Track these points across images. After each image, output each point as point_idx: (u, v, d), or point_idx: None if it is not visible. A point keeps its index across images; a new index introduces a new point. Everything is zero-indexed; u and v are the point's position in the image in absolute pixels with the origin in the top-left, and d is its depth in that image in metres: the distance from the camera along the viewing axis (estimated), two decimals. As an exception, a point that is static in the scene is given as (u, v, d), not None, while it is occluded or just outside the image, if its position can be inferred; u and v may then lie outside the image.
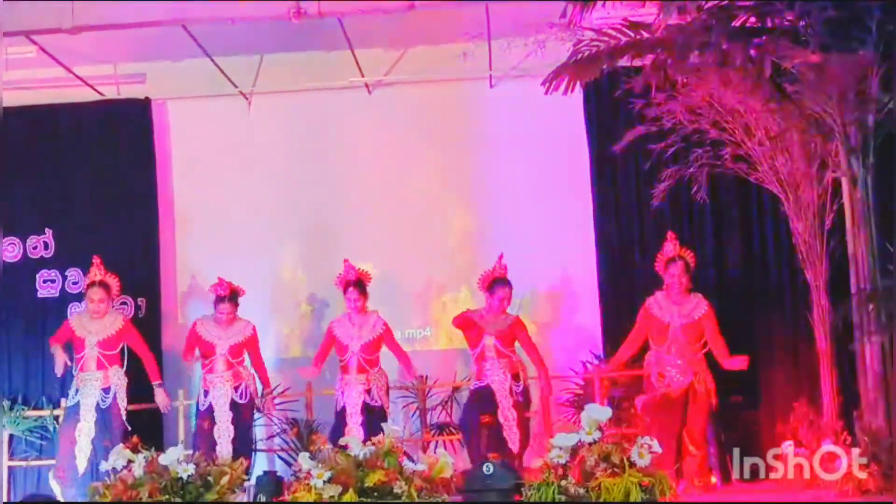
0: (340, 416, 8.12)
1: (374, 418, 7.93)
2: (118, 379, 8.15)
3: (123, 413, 8.10)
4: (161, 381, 8.38)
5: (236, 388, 8.15)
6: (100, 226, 9.57)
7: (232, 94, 9.73)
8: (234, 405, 8.11)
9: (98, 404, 8.02)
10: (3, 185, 9.42)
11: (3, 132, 9.24)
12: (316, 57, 9.52)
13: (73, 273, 9.38)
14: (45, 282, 9.47)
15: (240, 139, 9.90)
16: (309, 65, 9.63)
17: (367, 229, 9.32)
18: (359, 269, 8.28)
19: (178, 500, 5.52)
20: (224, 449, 7.73)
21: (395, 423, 7.61)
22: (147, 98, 9.85)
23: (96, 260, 8.31)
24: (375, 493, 5.46)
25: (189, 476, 5.59)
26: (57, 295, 9.32)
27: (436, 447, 8.33)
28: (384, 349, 8.31)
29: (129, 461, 5.68)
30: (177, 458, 5.64)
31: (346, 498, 5.42)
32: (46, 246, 9.54)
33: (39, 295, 9.38)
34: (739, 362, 8.04)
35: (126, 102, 9.86)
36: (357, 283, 8.22)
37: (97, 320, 8.22)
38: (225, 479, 5.68)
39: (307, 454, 6.04)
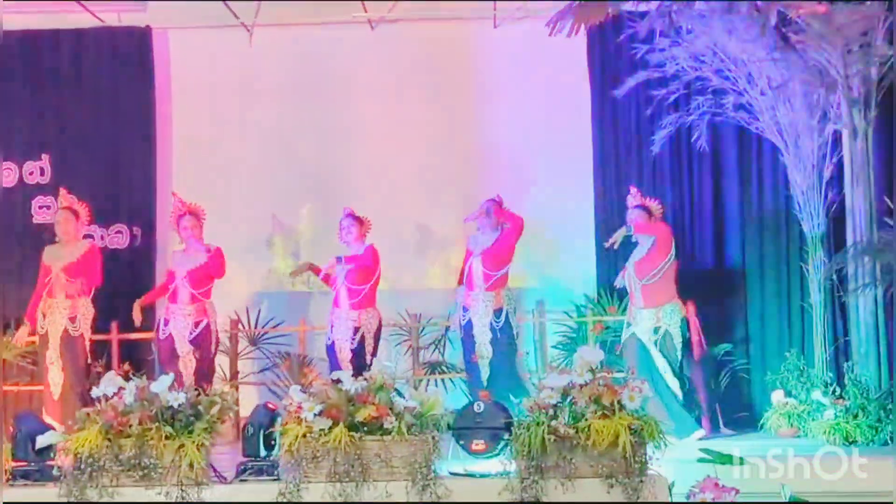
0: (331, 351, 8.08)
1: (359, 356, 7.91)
2: (85, 309, 7.99)
3: (87, 343, 7.99)
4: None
5: (196, 325, 7.94)
6: (97, 153, 9.52)
7: (234, 26, 9.62)
8: (194, 339, 7.93)
9: (66, 333, 7.91)
10: (1, 109, 9.41)
11: (2, 55, 9.25)
12: (319, -11, 9.43)
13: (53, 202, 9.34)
14: (40, 207, 9.41)
15: (240, 72, 9.84)
16: (311, -3, 9.52)
17: (364, 166, 9.27)
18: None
19: (168, 428, 5.52)
20: (186, 381, 7.52)
21: (387, 361, 7.62)
22: (148, 26, 9.75)
23: (63, 191, 8.21)
24: (366, 428, 5.47)
25: (180, 405, 5.58)
26: (52, 221, 9.25)
27: (427, 385, 8.37)
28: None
29: (120, 388, 5.66)
30: (167, 387, 5.64)
31: (336, 432, 5.43)
32: (43, 171, 9.49)
33: (35, 220, 9.30)
34: None
35: (126, 30, 9.77)
36: None
37: (64, 247, 8.04)
38: (215, 409, 5.68)
39: (298, 387, 6.04)
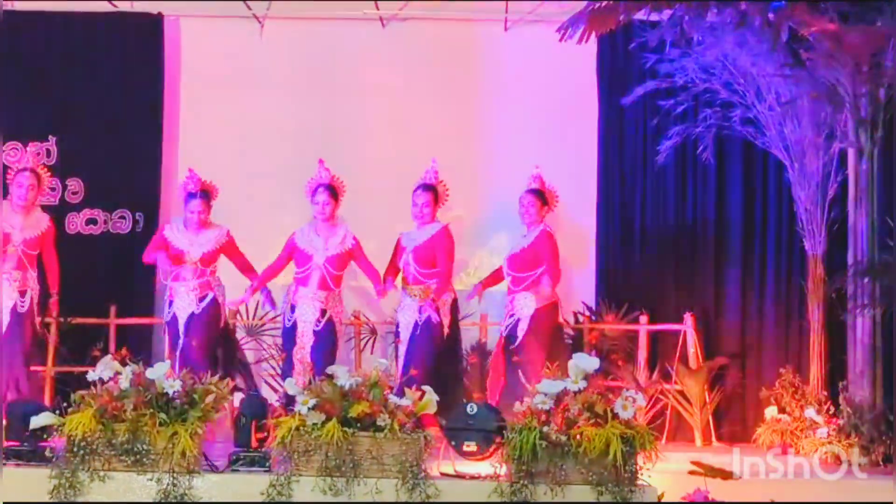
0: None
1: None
2: (35, 283, 7.67)
3: (37, 323, 7.74)
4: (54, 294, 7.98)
5: (201, 300, 7.75)
6: (103, 137, 9.45)
7: (245, 17, 9.60)
8: (198, 317, 7.72)
9: (14, 308, 7.53)
10: (8, 88, 9.35)
11: (14, 35, 9.26)
12: (331, -16, 9.42)
13: (73, 183, 9.27)
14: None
15: (250, 63, 9.77)
16: (323, -9, 9.52)
17: (370, 160, 9.23)
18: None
19: (162, 414, 5.53)
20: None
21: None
22: (160, 13, 9.71)
23: (31, 148, 7.93)
24: (359, 424, 5.49)
25: (175, 392, 5.60)
26: (56, 203, 9.18)
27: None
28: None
29: (117, 373, 5.68)
30: (163, 373, 5.66)
31: (329, 427, 5.45)
32: (49, 153, 9.49)
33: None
34: None
35: (139, 16, 9.71)
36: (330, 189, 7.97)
37: (23, 215, 7.69)
38: (210, 398, 5.69)
39: (292, 380, 6.06)
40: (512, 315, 7.98)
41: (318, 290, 7.78)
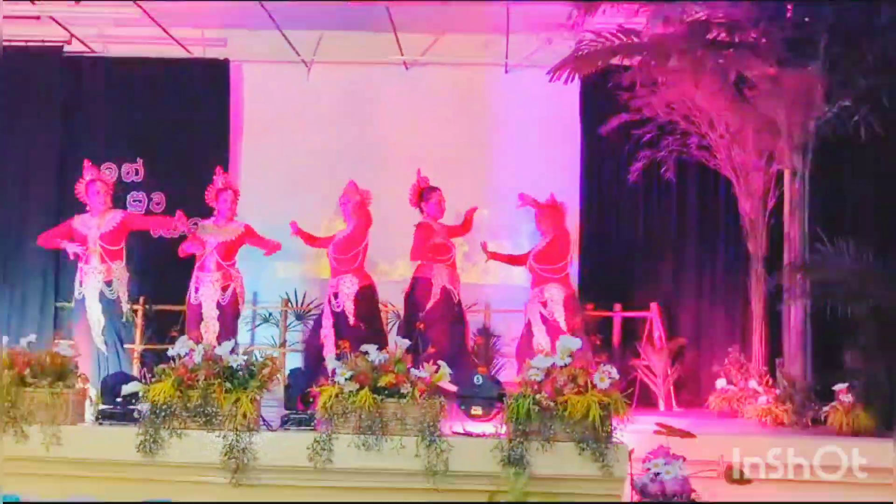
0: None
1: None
2: (122, 272, 7.35)
3: (128, 308, 7.41)
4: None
5: (224, 290, 7.40)
6: (180, 159, 9.48)
7: (295, 62, 9.63)
8: (219, 305, 7.40)
9: (103, 295, 7.25)
10: (105, 118, 9.50)
11: (108, 76, 9.45)
12: (365, 36, 9.36)
13: (156, 196, 9.36)
14: (134, 201, 9.40)
15: (298, 99, 9.81)
16: (359, 42, 9.47)
17: (392, 180, 9.18)
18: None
19: (227, 383, 5.54)
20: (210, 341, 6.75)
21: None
22: (227, 59, 9.75)
23: (87, 163, 7.64)
24: (386, 392, 5.49)
25: (238, 365, 5.60)
26: (143, 212, 9.24)
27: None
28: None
29: (191, 350, 5.68)
30: (229, 350, 5.66)
31: (362, 394, 5.45)
32: (137, 172, 9.52)
33: (128, 210, 9.21)
34: None
35: (209, 62, 9.77)
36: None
37: (100, 217, 7.41)
38: (266, 370, 5.70)
39: (333, 356, 6.05)
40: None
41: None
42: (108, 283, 7.28)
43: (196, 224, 7.90)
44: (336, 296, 7.49)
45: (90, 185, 7.49)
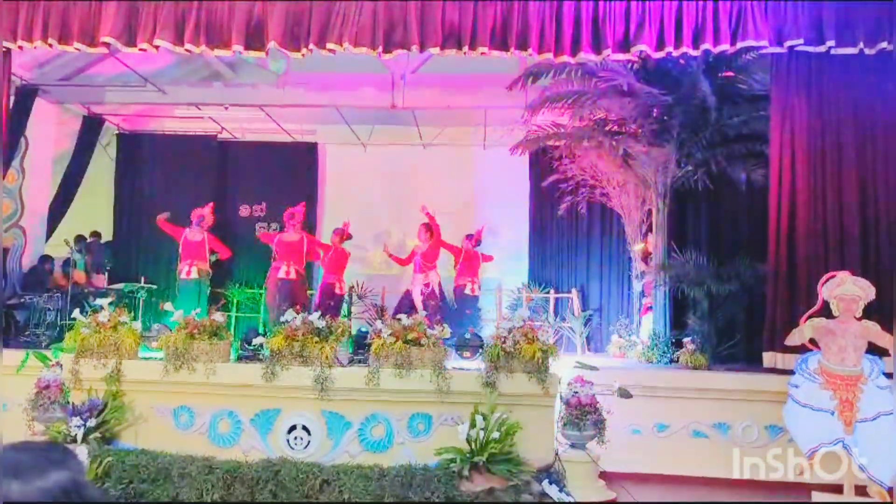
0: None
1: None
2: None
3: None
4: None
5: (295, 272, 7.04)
6: (288, 203, 9.35)
7: (356, 144, 9.67)
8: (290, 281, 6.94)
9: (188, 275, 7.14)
10: (237, 184, 9.48)
11: (241, 156, 9.40)
12: (400, 128, 9.40)
13: (274, 225, 9.34)
14: (259, 228, 9.41)
15: (359, 170, 9.82)
16: (396, 132, 9.51)
17: (414, 220, 9.10)
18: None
19: (315, 337, 5.52)
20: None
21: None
22: (315, 143, 9.80)
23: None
24: (412, 342, 5.47)
25: (323, 326, 5.60)
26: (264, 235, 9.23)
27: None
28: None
29: (294, 317, 5.67)
30: (317, 317, 5.66)
31: (398, 344, 5.45)
32: (262, 210, 9.56)
33: (256, 234, 9.25)
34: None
35: (304, 145, 9.81)
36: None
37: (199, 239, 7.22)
38: (339, 330, 5.68)
39: (380, 321, 6.05)
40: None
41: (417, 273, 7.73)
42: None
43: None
44: (427, 285, 7.64)
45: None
